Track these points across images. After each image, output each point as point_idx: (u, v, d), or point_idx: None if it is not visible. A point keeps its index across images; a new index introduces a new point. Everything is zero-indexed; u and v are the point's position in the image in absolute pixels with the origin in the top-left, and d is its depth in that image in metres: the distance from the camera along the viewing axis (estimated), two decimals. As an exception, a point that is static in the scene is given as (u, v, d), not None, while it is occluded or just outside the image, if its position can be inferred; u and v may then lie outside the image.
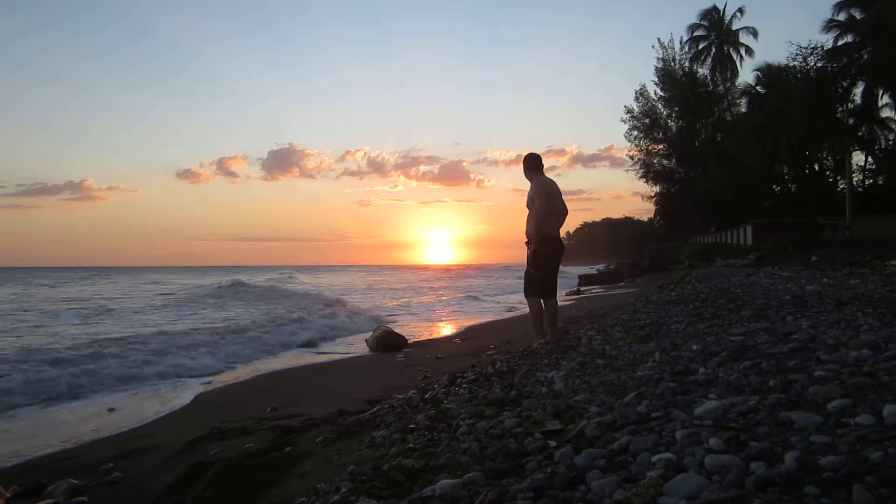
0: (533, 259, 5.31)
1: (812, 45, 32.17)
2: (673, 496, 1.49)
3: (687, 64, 40.77)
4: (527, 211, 5.49)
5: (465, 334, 10.34)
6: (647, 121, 42.62)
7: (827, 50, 31.67)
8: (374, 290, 32.12)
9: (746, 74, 46.51)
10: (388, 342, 8.76)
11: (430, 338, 10.48)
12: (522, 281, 5.60)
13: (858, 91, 31.99)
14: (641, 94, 42.53)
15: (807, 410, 2.08)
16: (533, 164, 5.55)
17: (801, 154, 33.61)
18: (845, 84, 32.04)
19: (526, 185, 5.54)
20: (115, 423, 4.79)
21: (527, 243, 5.43)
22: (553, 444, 2.10)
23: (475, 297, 23.93)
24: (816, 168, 36.41)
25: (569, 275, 40.60)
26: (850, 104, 32.62)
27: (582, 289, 25.76)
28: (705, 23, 39.82)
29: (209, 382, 6.87)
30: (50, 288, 34.54)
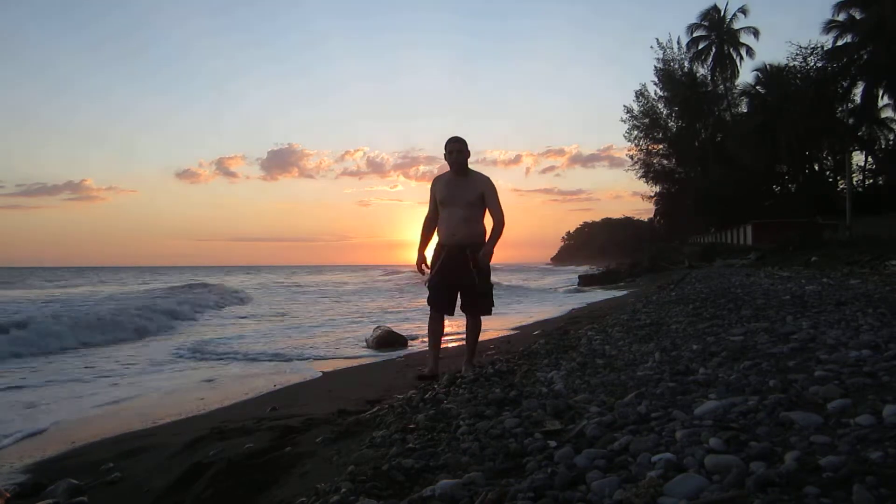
0: (486, 267, 4.54)
1: (812, 46, 32.23)
2: (673, 496, 1.49)
3: (687, 64, 40.79)
4: (458, 208, 4.55)
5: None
6: (646, 121, 42.71)
7: (827, 50, 31.70)
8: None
9: (747, 74, 46.50)
10: (389, 342, 8.77)
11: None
12: (472, 296, 4.56)
13: (858, 91, 32.03)
14: (641, 93, 42.65)
15: (807, 410, 2.08)
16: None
17: (801, 154, 33.64)
18: (845, 84, 32.07)
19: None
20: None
21: (465, 249, 4.48)
22: (553, 444, 2.10)
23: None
24: (816, 168, 36.43)
25: (569, 275, 40.76)
26: (850, 104, 32.65)
27: (582, 289, 25.77)
28: (705, 23, 39.82)
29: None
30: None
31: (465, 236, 4.52)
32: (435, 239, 4.74)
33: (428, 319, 4.82)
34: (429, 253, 4.78)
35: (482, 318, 4.72)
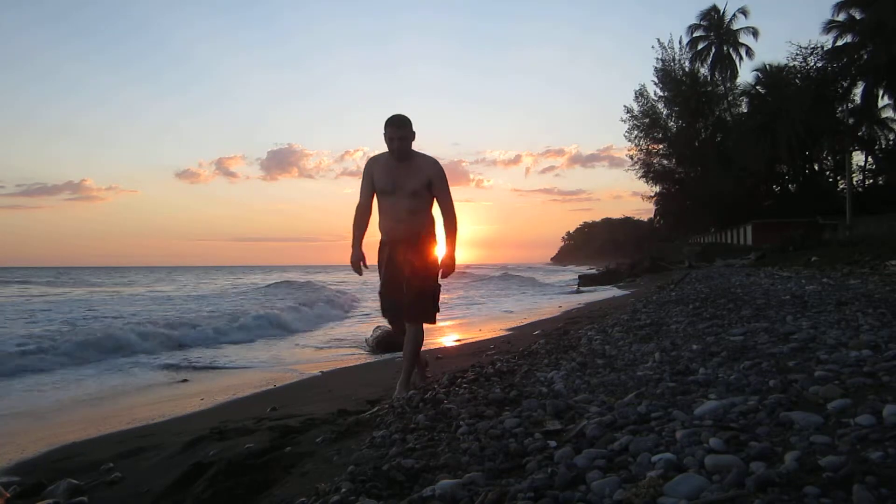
0: (432, 269, 3.98)
1: (812, 45, 32.27)
2: (673, 496, 1.49)
3: (687, 64, 40.80)
4: (396, 196, 3.93)
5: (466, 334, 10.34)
6: (646, 121, 42.68)
7: (827, 50, 31.74)
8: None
9: (746, 74, 46.57)
10: (388, 343, 8.74)
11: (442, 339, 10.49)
12: (422, 300, 3.96)
13: (858, 91, 32.05)
14: (641, 93, 42.62)
15: (807, 410, 2.08)
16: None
17: (801, 154, 33.68)
18: (845, 84, 32.09)
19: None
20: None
21: (408, 243, 3.95)
22: (553, 444, 2.10)
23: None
24: (816, 168, 36.48)
25: (569, 274, 41.13)
26: (850, 104, 32.67)
27: (582, 289, 25.78)
28: (705, 23, 39.85)
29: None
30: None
31: (408, 230, 3.94)
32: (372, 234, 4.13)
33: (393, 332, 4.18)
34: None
35: (426, 326, 4.08)
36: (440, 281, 4.06)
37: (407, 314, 4.00)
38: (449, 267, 3.95)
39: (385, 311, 4.16)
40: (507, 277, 38.48)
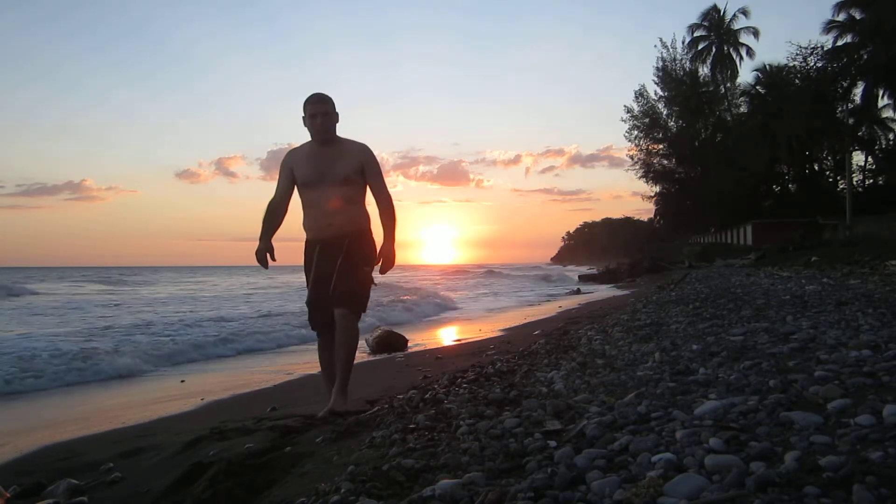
0: (369, 262, 3.60)
1: (812, 46, 32.31)
2: (673, 496, 1.49)
3: (687, 64, 40.84)
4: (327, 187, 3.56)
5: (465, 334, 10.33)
6: (646, 121, 42.71)
7: (827, 50, 31.77)
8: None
9: (747, 74, 46.63)
10: (388, 343, 8.75)
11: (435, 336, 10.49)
12: (355, 291, 3.54)
13: (858, 91, 32.08)
14: (641, 93, 42.66)
15: (807, 410, 2.08)
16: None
17: (801, 154, 33.70)
18: (845, 84, 32.10)
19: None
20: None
21: (344, 239, 3.55)
22: (553, 444, 2.10)
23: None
24: (816, 168, 36.50)
25: (569, 274, 41.38)
26: (850, 104, 32.68)
27: (581, 289, 25.80)
28: (705, 23, 39.88)
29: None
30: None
31: (345, 224, 3.54)
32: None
33: (317, 348, 3.79)
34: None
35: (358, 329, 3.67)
36: (380, 276, 3.71)
37: (335, 298, 3.50)
38: (389, 261, 3.57)
39: (316, 324, 3.69)
40: (548, 277, 39.93)
